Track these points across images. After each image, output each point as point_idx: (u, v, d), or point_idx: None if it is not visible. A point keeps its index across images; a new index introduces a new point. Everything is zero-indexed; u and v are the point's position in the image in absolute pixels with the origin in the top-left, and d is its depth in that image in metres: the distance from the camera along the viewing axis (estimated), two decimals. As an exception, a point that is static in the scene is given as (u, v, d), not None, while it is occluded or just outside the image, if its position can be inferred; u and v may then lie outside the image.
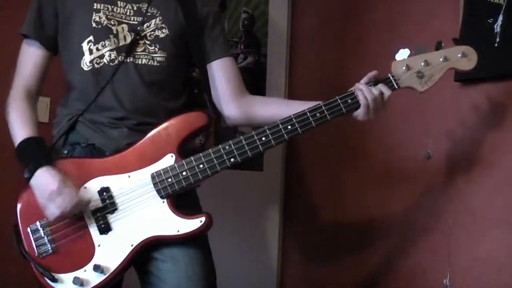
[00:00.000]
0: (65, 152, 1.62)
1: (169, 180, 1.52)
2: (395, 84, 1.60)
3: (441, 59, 1.60)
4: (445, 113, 2.10)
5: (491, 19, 1.91)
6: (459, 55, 1.60)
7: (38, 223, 1.51)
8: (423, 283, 2.14)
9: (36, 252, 1.50)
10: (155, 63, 1.64)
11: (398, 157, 2.33)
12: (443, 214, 2.07)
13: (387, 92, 1.58)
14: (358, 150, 2.53)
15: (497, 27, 1.90)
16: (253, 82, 2.97)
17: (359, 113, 1.58)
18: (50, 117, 2.39)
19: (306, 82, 2.94)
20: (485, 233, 1.94)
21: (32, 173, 1.49)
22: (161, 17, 1.67)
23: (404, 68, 1.60)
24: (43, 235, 1.50)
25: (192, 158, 1.54)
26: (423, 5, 2.27)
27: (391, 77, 1.60)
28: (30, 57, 1.67)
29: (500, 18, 1.89)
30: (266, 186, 2.94)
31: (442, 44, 1.61)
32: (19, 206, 1.53)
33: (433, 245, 2.11)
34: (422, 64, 1.59)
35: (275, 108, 1.67)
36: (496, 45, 1.89)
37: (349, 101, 1.58)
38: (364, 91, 1.57)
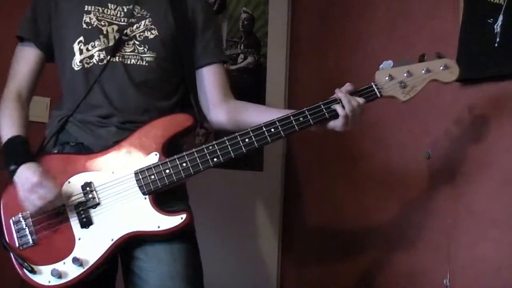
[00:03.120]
0: (55, 151, 1.64)
1: (152, 177, 1.54)
2: (377, 93, 1.63)
3: (423, 71, 1.64)
4: (445, 113, 2.10)
5: (491, 19, 1.91)
6: (441, 68, 1.65)
7: (20, 214, 1.53)
8: (423, 283, 2.14)
9: (17, 243, 1.51)
10: (144, 63, 1.66)
11: (398, 157, 2.33)
12: (443, 214, 2.07)
13: (361, 101, 1.59)
14: (357, 150, 2.53)
15: (497, 27, 1.90)
16: (253, 82, 2.98)
17: (337, 124, 1.59)
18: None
19: (306, 82, 2.94)
20: (485, 233, 1.94)
21: (17, 167, 1.51)
22: (150, 19, 1.69)
23: (387, 78, 1.63)
24: (24, 227, 1.52)
25: (175, 156, 1.56)
26: (423, 5, 2.27)
27: (374, 86, 1.63)
28: (25, 59, 1.70)
29: (500, 18, 1.89)
30: (266, 186, 2.94)
31: (425, 57, 1.66)
32: (3, 199, 1.56)
33: (433, 245, 2.11)
34: (405, 74, 1.63)
35: (260, 114, 1.68)
36: (496, 45, 1.89)
37: (332, 107, 1.60)
38: (342, 99, 1.58)
